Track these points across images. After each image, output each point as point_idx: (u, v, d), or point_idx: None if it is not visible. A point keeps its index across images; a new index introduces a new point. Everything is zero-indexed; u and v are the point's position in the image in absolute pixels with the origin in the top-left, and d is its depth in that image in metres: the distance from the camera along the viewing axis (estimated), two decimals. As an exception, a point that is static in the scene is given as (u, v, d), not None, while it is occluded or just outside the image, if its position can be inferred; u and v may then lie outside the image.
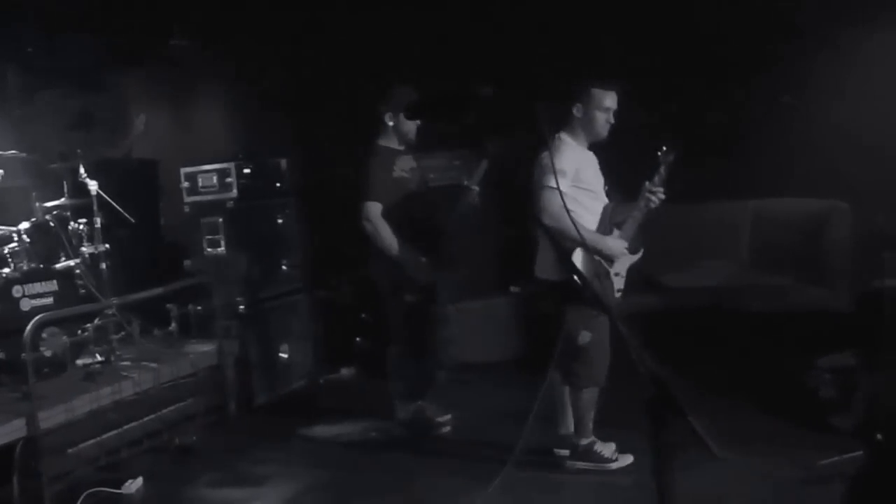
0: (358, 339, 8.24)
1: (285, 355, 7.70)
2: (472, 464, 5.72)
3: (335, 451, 6.36)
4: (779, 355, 6.57)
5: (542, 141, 5.05)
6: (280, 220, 7.94)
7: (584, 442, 5.42)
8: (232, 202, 7.49)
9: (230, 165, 7.52)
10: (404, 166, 6.17)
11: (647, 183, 5.25)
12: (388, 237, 5.93)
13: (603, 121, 5.25)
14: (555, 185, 5.01)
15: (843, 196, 7.09)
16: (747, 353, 6.54)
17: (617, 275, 5.29)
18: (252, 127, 8.84)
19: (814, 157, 6.93)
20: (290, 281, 7.98)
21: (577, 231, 4.95)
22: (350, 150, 8.42)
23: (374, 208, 5.94)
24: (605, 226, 5.30)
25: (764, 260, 7.39)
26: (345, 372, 8.20)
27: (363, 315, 8.25)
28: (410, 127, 6.10)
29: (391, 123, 6.11)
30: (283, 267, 7.90)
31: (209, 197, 7.60)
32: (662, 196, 5.25)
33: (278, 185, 7.98)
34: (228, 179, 7.52)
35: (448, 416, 6.47)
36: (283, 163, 8.04)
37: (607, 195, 5.37)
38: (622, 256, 5.28)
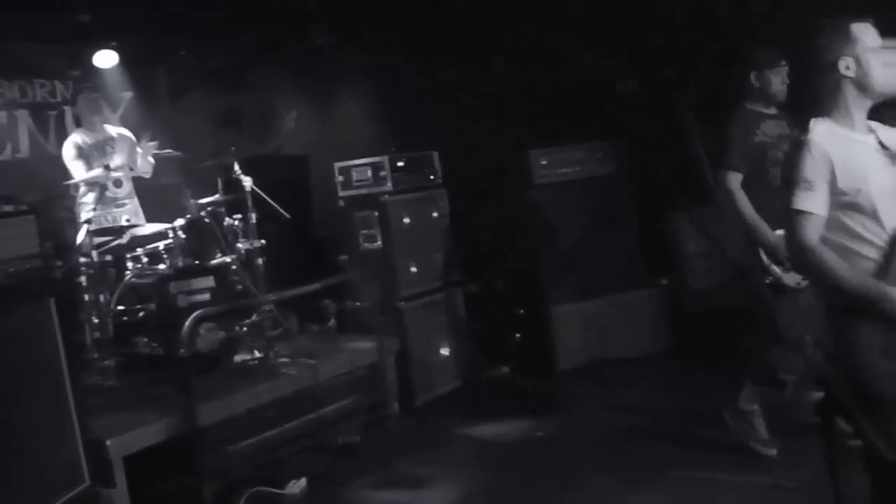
0: (517, 334, 7.97)
1: (446, 352, 7.48)
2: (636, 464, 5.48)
3: (498, 452, 6.13)
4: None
5: None
6: (434, 213, 7.71)
7: None
8: (386, 195, 7.32)
9: (384, 159, 7.39)
10: (770, 131, 5.36)
11: None
12: (746, 211, 5.19)
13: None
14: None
15: None
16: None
17: None
18: (402, 119, 8.65)
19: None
20: (447, 275, 7.73)
21: None
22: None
23: (733, 178, 5.27)
24: None
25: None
26: (504, 369, 7.91)
27: (521, 310, 8.00)
28: (779, 86, 5.36)
29: (756, 84, 5.42)
30: (440, 261, 7.66)
31: (363, 191, 7.48)
32: None
33: (431, 177, 7.77)
34: (382, 173, 7.38)
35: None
36: (435, 155, 7.82)
37: None
38: None
